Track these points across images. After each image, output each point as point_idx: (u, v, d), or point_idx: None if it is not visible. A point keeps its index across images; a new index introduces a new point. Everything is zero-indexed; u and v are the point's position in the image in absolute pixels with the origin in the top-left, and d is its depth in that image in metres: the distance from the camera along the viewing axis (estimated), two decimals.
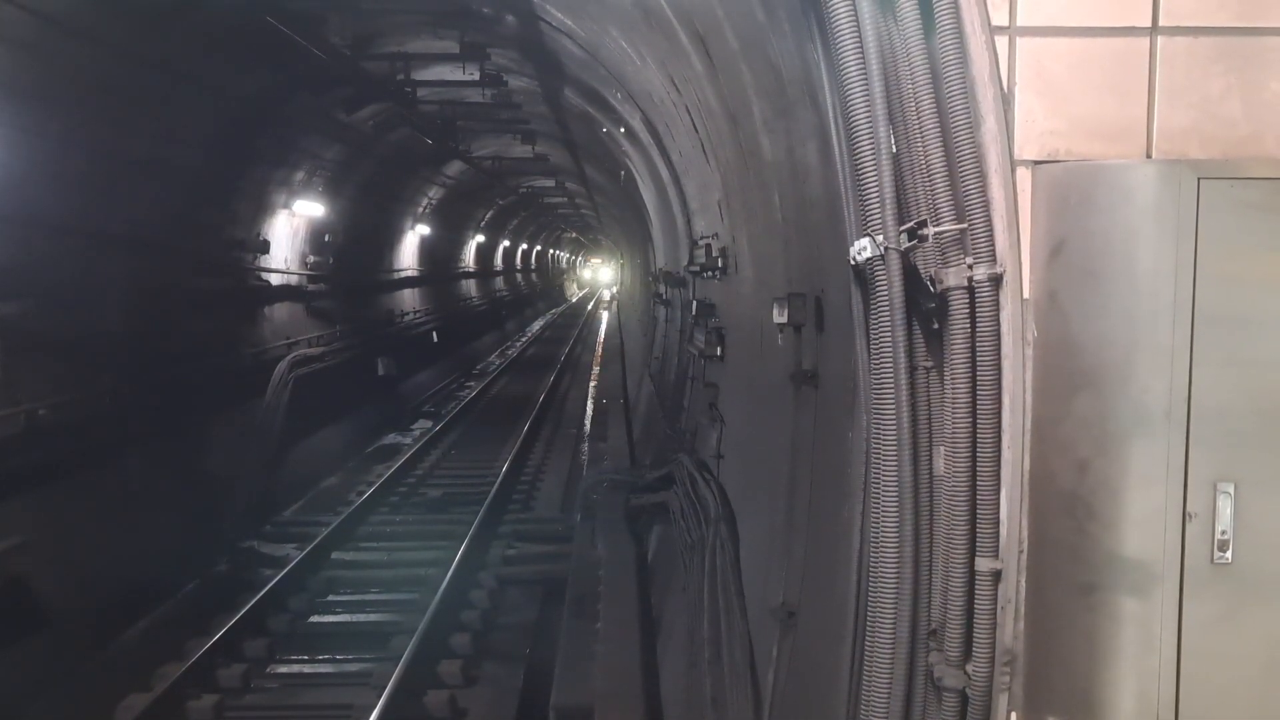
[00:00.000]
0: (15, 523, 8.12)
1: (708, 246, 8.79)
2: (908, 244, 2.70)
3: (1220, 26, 2.79)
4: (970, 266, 2.71)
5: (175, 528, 10.47)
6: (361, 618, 9.53)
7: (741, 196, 6.70)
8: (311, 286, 16.16)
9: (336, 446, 16.25)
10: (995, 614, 2.77)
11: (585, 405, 21.43)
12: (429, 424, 19.42)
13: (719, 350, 8.46)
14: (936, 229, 2.72)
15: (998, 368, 2.74)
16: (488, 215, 33.28)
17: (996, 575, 2.76)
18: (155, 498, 10.41)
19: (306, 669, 8.44)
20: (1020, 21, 2.81)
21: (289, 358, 14.03)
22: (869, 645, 2.87)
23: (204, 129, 11.17)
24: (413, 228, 23.24)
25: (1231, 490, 2.65)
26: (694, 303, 10.20)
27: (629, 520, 9.62)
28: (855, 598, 3.39)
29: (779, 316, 4.83)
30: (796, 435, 4.95)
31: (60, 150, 8.74)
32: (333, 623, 9.44)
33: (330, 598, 10.00)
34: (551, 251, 67.95)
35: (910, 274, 2.75)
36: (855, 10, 2.69)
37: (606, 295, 62.62)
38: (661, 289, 16.28)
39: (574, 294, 74.78)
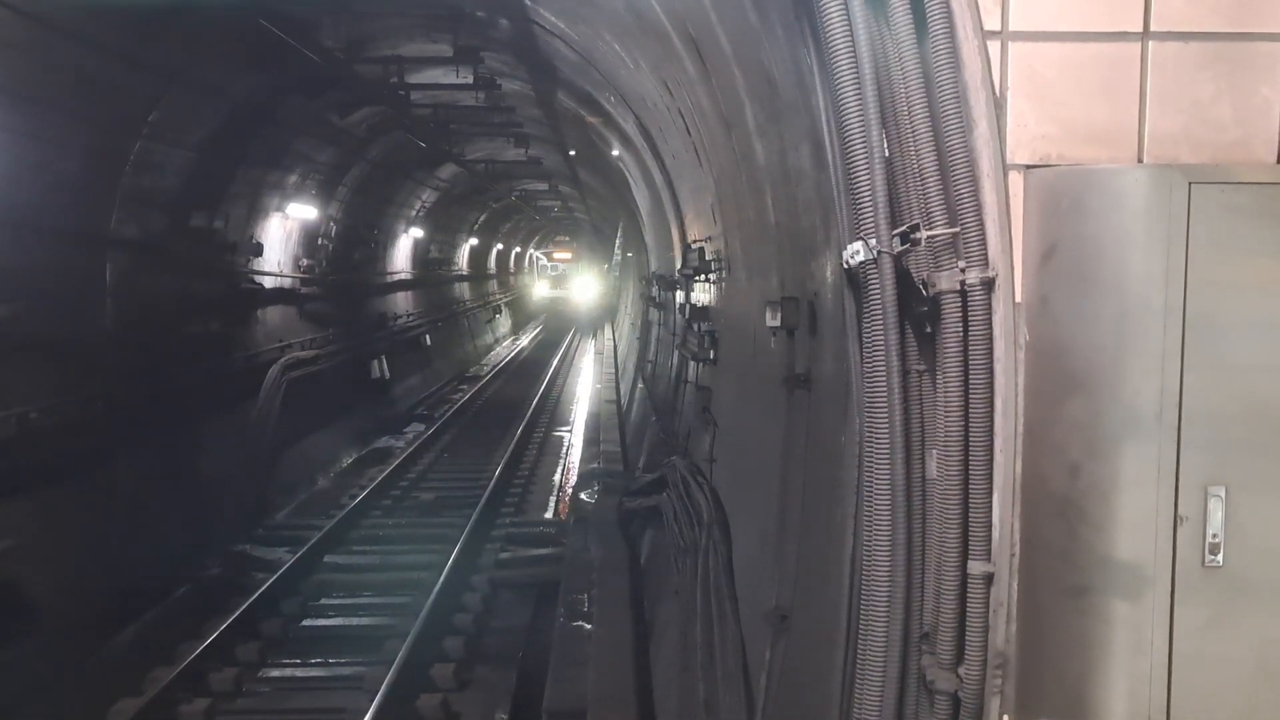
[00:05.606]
0: (7, 526, 8.09)
1: (701, 250, 8.81)
2: (900, 248, 2.71)
3: (1211, 32, 2.80)
4: (963, 270, 2.72)
5: (167, 531, 10.44)
6: (354, 621, 9.51)
7: (734, 200, 6.70)
8: (305, 289, 16.13)
9: (329, 450, 16.21)
10: (987, 617, 2.77)
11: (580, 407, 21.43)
12: (422, 427, 19.40)
13: (712, 354, 8.46)
14: (929, 233, 2.72)
15: (990, 371, 2.74)
16: (481, 218, 33.27)
17: (988, 578, 2.76)
18: (147, 501, 10.38)
19: (299, 672, 8.42)
20: (1012, 26, 2.81)
21: (282, 361, 13.99)
22: (862, 648, 2.88)
23: (197, 132, 11.14)
24: (406, 230, 23.21)
25: (1222, 494, 2.66)
26: (687, 306, 10.21)
27: (622, 523, 9.61)
28: (848, 601, 3.39)
29: (772, 320, 4.84)
30: (789, 438, 4.95)
31: (51, 152, 8.71)
32: (325, 626, 9.42)
33: (323, 601, 9.98)
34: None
35: (903, 277, 2.75)
36: (848, 14, 2.70)
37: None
38: (654, 292, 16.28)
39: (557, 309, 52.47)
